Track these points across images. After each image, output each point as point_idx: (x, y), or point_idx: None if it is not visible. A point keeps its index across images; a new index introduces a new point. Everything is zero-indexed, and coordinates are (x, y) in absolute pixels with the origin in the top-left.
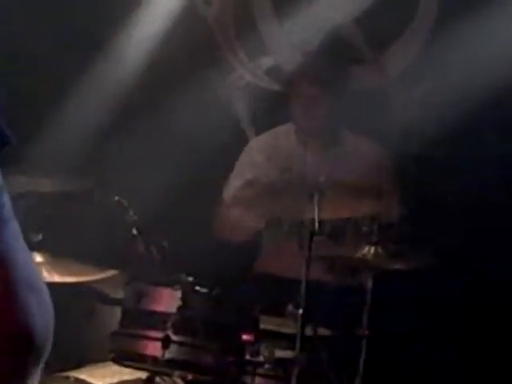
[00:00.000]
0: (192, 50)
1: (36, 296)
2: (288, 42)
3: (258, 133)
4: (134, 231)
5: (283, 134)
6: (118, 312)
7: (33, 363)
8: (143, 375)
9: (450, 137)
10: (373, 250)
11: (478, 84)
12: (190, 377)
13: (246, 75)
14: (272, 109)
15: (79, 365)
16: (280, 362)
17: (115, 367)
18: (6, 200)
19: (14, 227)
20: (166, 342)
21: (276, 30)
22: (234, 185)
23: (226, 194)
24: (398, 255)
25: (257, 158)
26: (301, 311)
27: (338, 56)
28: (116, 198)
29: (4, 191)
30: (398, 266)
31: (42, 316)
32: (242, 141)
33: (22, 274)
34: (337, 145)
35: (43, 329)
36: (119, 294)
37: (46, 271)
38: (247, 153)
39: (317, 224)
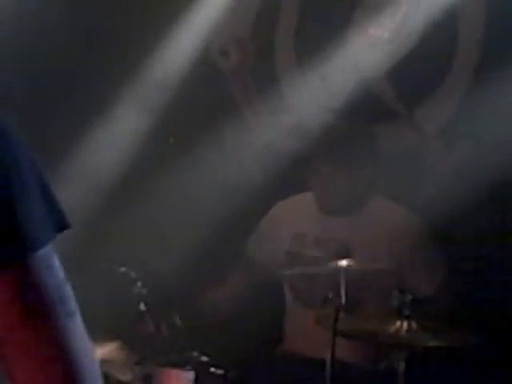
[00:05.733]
0: (207, 106)
1: None
2: (312, 97)
3: (275, 198)
4: (142, 306)
5: (305, 202)
6: None
7: None
8: None
9: (487, 208)
10: (405, 325)
11: None
12: None
13: (266, 134)
14: (293, 171)
15: None
16: None
17: None
18: (71, 292)
19: (80, 321)
20: None
21: (299, 84)
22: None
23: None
24: (435, 330)
25: (278, 229)
26: None
27: (366, 113)
28: (123, 269)
29: (67, 285)
30: (435, 343)
31: None
32: (257, 207)
33: (87, 375)
34: (361, 211)
35: None
36: (126, 377)
37: None
38: (269, 223)
39: (343, 299)
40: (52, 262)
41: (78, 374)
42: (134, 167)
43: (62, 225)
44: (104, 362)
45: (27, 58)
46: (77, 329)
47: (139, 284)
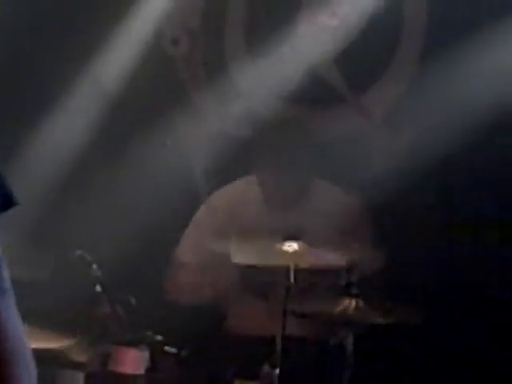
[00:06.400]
0: (157, 95)
1: (26, 370)
2: (262, 84)
3: (219, 184)
4: (98, 288)
5: (246, 190)
6: (79, 377)
7: None
8: None
9: (433, 185)
10: (353, 303)
11: (467, 123)
12: None
13: (216, 121)
14: (243, 158)
15: None
16: None
17: None
18: (6, 272)
19: (11, 299)
20: None
21: (249, 71)
22: (193, 249)
23: (183, 256)
24: (381, 308)
25: (218, 219)
26: (277, 371)
27: (315, 99)
28: (78, 252)
29: (3, 263)
30: (381, 320)
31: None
32: (206, 188)
33: (16, 347)
34: (306, 196)
35: None
36: (81, 358)
37: None
38: (206, 213)
39: (292, 278)
40: None
41: (7, 352)
42: (88, 152)
43: (7, 203)
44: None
45: None
46: (9, 307)
47: (94, 266)
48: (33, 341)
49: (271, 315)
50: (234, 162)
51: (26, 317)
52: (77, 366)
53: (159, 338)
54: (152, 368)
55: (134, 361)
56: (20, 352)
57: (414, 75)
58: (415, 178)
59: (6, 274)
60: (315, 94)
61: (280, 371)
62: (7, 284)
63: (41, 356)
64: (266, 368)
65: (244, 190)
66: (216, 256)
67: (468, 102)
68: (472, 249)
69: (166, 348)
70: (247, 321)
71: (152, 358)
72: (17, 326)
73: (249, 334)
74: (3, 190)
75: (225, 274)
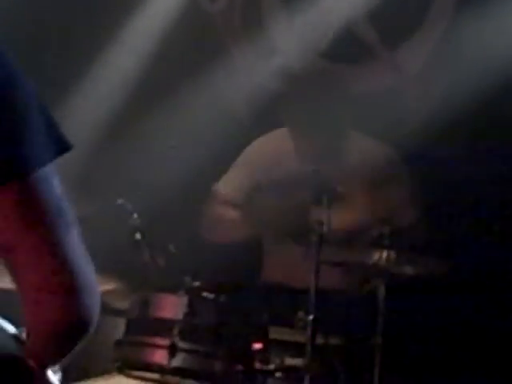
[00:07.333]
0: (195, 49)
1: (93, 300)
2: (298, 39)
3: (260, 134)
4: (138, 236)
5: (284, 138)
6: (121, 323)
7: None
8: None
9: (468, 136)
10: (385, 254)
11: (497, 78)
12: None
13: (254, 75)
14: (275, 109)
15: (83, 377)
16: (291, 370)
17: (121, 379)
18: (69, 207)
19: (77, 232)
20: (172, 350)
21: (285, 27)
22: (240, 184)
23: (225, 191)
24: (412, 260)
25: (261, 160)
26: (311, 317)
27: (349, 54)
28: (119, 200)
29: (66, 199)
30: (411, 271)
31: (95, 312)
32: (244, 145)
33: (83, 280)
34: (340, 148)
35: (94, 322)
36: (122, 305)
37: None
38: (251, 154)
39: (326, 227)
40: (51, 179)
41: (74, 283)
42: (129, 104)
43: (63, 146)
44: (101, 292)
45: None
46: (74, 238)
47: (135, 215)
48: None
49: (306, 264)
50: (270, 115)
51: None
52: (118, 312)
53: (197, 284)
54: (190, 313)
55: (172, 306)
56: (87, 282)
57: (447, 30)
58: (447, 132)
59: (70, 208)
60: (349, 50)
61: (314, 318)
62: (71, 218)
63: None
64: (300, 314)
65: (279, 141)
66: (260, 193)
67: (500, 56)
68: (503, 201)
69: (204, 294)
70: (283, 269)
71: (190, 304)
72: (82, 258)
73: (285, 282)
74: (58, 135)
75: (264, 213)
